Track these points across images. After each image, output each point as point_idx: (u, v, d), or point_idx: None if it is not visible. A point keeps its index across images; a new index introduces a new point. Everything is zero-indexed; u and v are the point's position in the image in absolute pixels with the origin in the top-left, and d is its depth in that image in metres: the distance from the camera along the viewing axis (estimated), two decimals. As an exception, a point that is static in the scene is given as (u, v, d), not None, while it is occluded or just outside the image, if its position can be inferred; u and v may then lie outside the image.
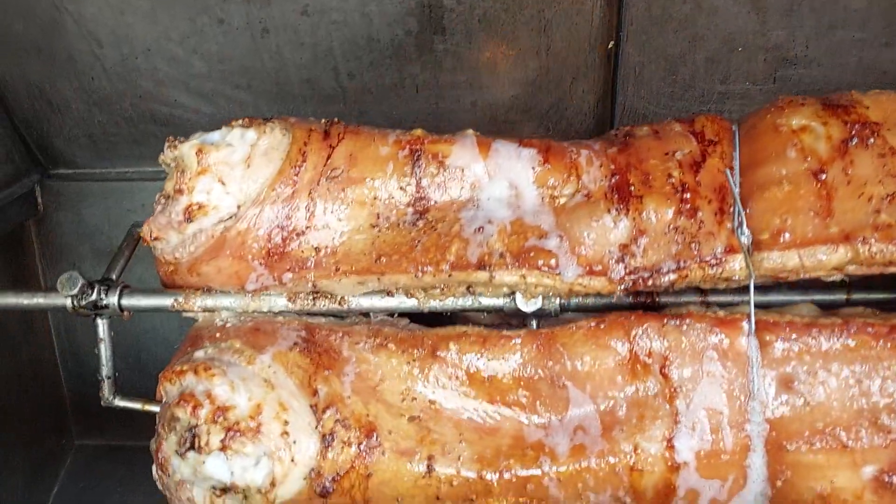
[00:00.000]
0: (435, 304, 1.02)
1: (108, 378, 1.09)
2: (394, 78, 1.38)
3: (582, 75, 1.38)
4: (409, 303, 1.03)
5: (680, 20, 1.28)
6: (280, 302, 1.03)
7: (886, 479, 0.86)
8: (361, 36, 1.32)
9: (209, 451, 0.88)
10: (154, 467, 0.96)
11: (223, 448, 0.88)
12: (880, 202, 0.89)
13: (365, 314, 1.05)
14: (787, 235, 0.91)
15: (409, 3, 1.28)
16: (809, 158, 0.93)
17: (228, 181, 1.04)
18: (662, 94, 1.39)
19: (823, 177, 0.91)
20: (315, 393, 0.95)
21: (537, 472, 0.92)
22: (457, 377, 0.97)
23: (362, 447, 0.92)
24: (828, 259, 0.90)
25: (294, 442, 0.91)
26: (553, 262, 0.96)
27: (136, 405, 1.09)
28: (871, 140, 0.92)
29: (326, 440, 0.92)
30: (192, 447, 0.89)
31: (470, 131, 1.09)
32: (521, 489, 0.92)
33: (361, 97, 1.41)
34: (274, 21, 1.31)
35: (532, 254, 0.96)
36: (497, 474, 0.92)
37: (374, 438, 0.93)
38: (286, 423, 0.91)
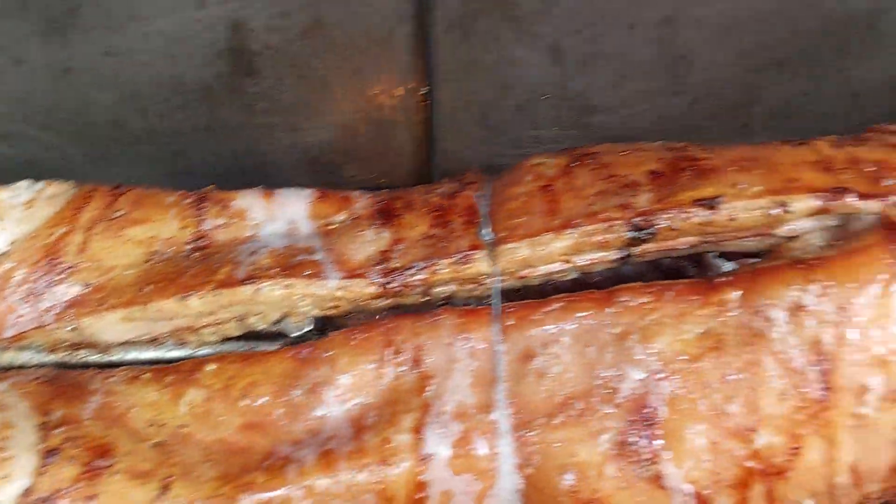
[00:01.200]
0: (206, 351, 1.01)
1: None
2: (206, 119, 1.36)
3: (399, 119, 1.40)
4: (176, 352, 1.00)
5: (487, 69, 1.33)
6: (37, 357, 0.99)
7: (622, 445, 0.90)
8: (169, 77, 1.30)
9: None
10: None
11: None
12: (592, 198, 1.02)
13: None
14: (520, 231, 1.02)
15: (217, 46, 1.27)
16: (541, 178, 1.08)
17: (5, 219, 1.03)
18: (477, 139, 1.43)
19: (551, 188, 1.06)
20: (48, 413, 0.91)
21: (282, 489, 0.90)
22: (210, 398, 0.95)
23: (89, 466, 0.87)
24: (552, 246, 1.00)
25: (10, 458, 0.85)
26: (317, 270, 1.00)
27: None
28: (589, 161, 1.07)
29: (48, 456, 0.87)
30: None
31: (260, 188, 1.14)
32: None
33: (174, 138, 1.38)
34: (75, 61, 1.27)
35: (298, 266, 1.01)
36: (239, 492, 0.89)
37: (106, 458, 0.88)
38: (6, 438, 0.86)
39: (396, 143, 1.44)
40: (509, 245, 1.01)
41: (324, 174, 1.47)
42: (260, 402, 0.94)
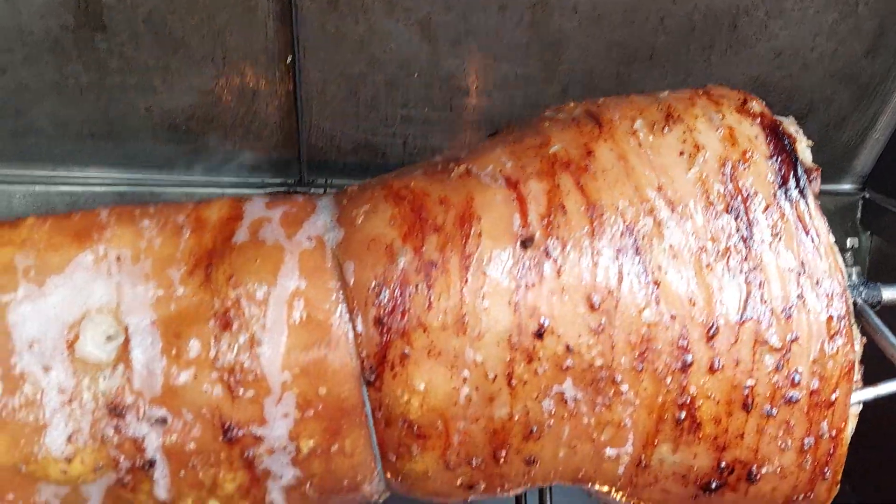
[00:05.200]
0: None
1: None
2: (54, 76, 1.27)
3: (264, 88, 1.35)
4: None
5: (356, 41, 1.29)
6: None
7: (435, 165, 0.99)
8: (10, 27, 1.20)
9: None
10: None
11: None
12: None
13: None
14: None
15: (62, -6, 1.18)
16: None
17: None
18: (347, 114, 1.39)
19: None
20: None
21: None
22: None
23: None
24: None
25: None
26: None
27: None
28: None
29: None
30: None
31: None
32: None
33: (18, 94, 1.28)
34: None
35: None
36: None
37: None
38: None
39: (262, 114, 1.38)
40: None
41: (185, 142, 1.40)
42: None
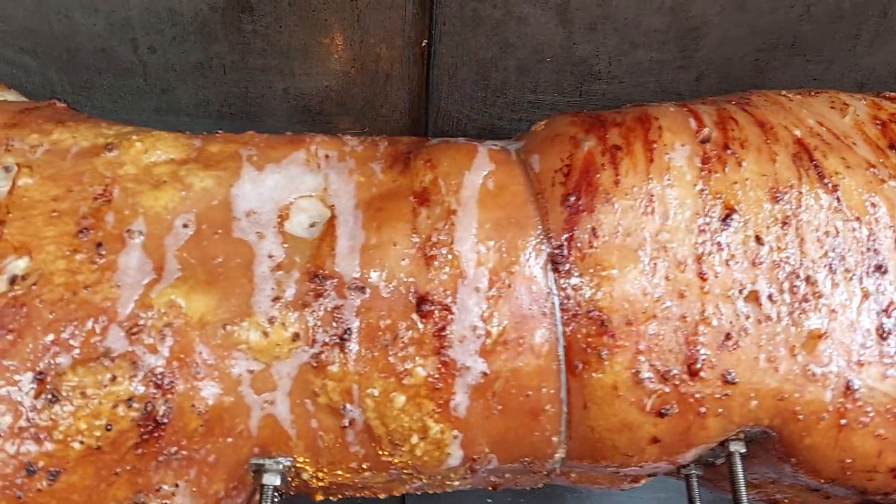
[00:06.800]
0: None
1: None
2: (199, 56, 1.31)
3: (397, 72, 1.36)
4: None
5: (492, 25, 1.29)
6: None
7: None
8: (162, 7, 1.24)
9: None
10: None
11: None
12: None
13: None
14: None
15: (214, -24, 1.22)
16: None
17: None
18: (476, 99, 1.39)
19: None
20: None
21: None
22: None
23: None
24: None
25: None
26: None
27: None
28: None
29: None
30: None
31: None
32: None
33: (164, 73, 1.33)
34: (62, -19, 1.21)
35: None
36: None
37: None
38: None
39: (392, 98, 1.39)
40: None
41: (317, 125, 1.43)
42: None
